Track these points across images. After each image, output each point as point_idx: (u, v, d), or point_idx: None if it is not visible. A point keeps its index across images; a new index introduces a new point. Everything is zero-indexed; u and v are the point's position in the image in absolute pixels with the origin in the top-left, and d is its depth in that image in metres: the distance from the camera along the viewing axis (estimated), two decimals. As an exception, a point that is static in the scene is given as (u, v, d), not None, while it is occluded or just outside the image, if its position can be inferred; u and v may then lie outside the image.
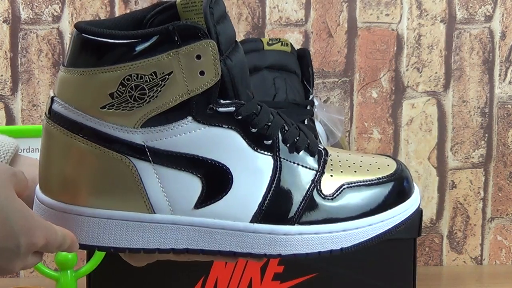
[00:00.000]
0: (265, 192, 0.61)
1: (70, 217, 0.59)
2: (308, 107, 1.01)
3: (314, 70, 1.08)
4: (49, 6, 1.16)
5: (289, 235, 0.62)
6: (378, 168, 0.66)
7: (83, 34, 0.57)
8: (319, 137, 1.00)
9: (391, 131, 1.20)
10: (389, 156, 0.70)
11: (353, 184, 0.64)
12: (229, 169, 0.60)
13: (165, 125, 0.58)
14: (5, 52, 1.16)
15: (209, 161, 0.59)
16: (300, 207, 0.62)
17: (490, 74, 1.20)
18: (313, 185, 0.63)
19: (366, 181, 0.65)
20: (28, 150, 0.93)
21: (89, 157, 0.58)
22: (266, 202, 0.61)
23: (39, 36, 1.16)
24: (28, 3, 1.15)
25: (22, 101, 1.17)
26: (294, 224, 0.62)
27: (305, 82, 1.03)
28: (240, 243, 0.61)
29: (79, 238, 0.60)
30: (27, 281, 1.15)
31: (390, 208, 0.65)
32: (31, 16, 1.16)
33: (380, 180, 0.65)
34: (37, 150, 0.93)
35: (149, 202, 0.59)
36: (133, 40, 0.57)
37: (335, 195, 0.63)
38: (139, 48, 0.56)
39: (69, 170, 0.59)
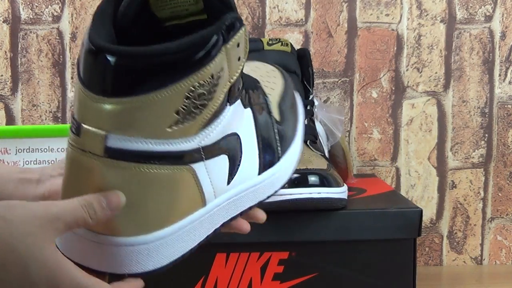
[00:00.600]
0: (257, 142, 0.63)
1: (149, 248, 0.57)
2: (308, 107, 1.01)
3: (314, 70, 1.08)
4: (49, 6, 1.16)
5: (281, 172, 0.65)
6: (275, 77, 0.69)
7: (130, 59, 0.52)
8: (319, 137, 1.00)
9: (391, 131, 1.20)
10: (262, 62, 0.72)
11: (280, 101, 0.66)
12: (239, 135, 0.61)
13: (215, 120, 0.57)
14: (5, 52, 1.16)
15: (231, 135, 0.60)
16: (277, 142, 0.64)
17: (490, 74, 1.20)
18: (270, 116, 0.65)
19: (282, 92, 0.67)
20: (28, 150, 0.93)
21: (163, 181, 0.56)
22: (260, 151, 0.63)
23: (39, 36, 1.16)
24: (28, 3, 1.15)
25: (22, 101, 1.17)
26: (279, 160, 0.65)
27: (305, 82, 1.03)
28: (255, 197, 0.63)
29: (151, 264, 0.58)
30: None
31: (299, 109, 0.69)
32: (31, 16, 1.16)
33: (286, 87, 0.68)
34: (37, 150, 0.93)
35: (204, 197, 0.59)
36: (189, 50, 0.53)
37: (280, 117, 0.66)
38: (197, 56, 0.53)
39: (143, 202, 0.56)
